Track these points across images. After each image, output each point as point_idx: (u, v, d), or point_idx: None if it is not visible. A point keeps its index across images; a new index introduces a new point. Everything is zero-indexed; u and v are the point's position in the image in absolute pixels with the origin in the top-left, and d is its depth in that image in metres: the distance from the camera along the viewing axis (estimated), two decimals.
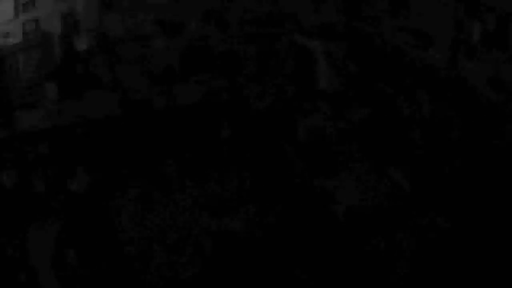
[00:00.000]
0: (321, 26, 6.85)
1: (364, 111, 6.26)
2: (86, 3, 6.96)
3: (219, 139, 6.14)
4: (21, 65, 6.92)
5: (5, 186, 5.97)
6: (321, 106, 6.21)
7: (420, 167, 5.56)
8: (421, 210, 5.14)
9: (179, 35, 6.61)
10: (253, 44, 6.68)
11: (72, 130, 6.24)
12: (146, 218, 5.39)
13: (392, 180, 5.51)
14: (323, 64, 6.76)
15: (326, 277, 4.57)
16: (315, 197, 5.43)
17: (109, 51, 6.63)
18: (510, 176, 5.03)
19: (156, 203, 5.54)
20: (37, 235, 5.34)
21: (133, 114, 6.17)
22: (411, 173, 5.52)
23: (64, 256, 5.03)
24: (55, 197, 5.81)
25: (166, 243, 5.07)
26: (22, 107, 6.66)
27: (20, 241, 5.30)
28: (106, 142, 6.14)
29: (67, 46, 6.83)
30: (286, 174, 5.73)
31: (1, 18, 6.92)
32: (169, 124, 6.19)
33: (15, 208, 5.73)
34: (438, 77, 6.10)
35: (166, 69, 6.52)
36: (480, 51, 5.99)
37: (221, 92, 6.29)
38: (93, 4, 6.94)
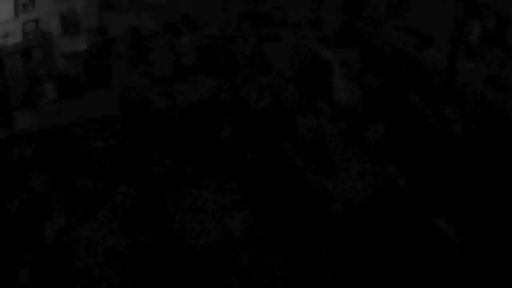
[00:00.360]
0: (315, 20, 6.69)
1: (379, 128, 5.97)
2: (86, 3, 6.97)
3: (219, 139, 6.14)
4: (21, 65, 6.94)
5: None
6: (320, 105, 6.20)
7: (419, 167, 5.56)
8: (419, 210, 5.13)
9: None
10: (250, 43, 6.67)
11: (71, 130, 6.25)
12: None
13: (389, 179, 5.51)
14: (338, 74, 6.39)
15: (324, 275, 4.57)
16: (313, 195, 5.43)
17: (109, 50, 6.64)
18: (511, 176, 5.03)
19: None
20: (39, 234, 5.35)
21: (132, 114, 6.18)
22: (410, 173, 5.51)
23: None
24: (56, 196, 5.81)
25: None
26: (22, 107, 6.67)
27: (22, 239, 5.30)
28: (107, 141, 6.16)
29: None
30: (285, 173, 5.73)
31: (1, 18, 6.92)
32: (169, 124, 6.19)
33: (18, 207, 5.73)
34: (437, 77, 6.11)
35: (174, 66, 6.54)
36: (479, 51, 5.99)
37: (221, 92, 6.29)
38: (93, 4, 6.95)
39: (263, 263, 4.77)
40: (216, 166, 5.91)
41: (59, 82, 6.70)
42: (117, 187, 5.68)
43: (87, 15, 6.95)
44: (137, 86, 6.45)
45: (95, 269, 4.86)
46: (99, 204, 5.59)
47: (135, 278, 4.74)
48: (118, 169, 6.00)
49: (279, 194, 5.52)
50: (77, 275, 4.82)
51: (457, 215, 4.91)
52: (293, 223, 5.17)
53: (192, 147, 6.13)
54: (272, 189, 5.58)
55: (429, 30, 6.39)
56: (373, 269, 4.62)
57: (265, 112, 6.22)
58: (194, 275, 4.74)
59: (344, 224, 5.08)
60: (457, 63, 6.22)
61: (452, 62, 6.28)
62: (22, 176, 5.98)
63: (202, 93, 6.33)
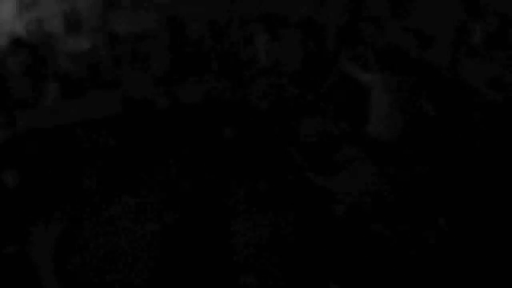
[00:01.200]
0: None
1: (423, 168, 5.19)
2: (90, 2, 6.98)
3: (221, 140, 6.14)
4: (23, 64, 6.94)
5: (8, 185, 5.96)
6: (324, 107, 6.21)
7: (422, 167, 5.57)
8: (421, 210, 5.14)
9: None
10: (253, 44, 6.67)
11: (73, 130, 6.25)
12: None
13: (393, 180, 5.51)
14: (379, 101, 5.14)
15: (327, 276, 4.58)
16: (316, 196, 5.43)
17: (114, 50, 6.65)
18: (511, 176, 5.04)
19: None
20: (39, 235, 5.33)
21: (135, 113, 6.18)
22: (413, 173, 5.52)
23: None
24: (58, 197, 5.80)
25: None
26: (24, 106, 6.67)
27: (21, 240, 5.29)
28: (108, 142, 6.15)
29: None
30: (288, 174, 5.73)
31: (3, 17, 6.92)
32: (172, 124, 6.19)
33: (17, 207, 5.72)
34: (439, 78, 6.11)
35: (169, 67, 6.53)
36: (481, 52, 6.01)
37: (224, 92, 6.29)
38: (97, 3, 6.96)
39: (267, 264, 4.77)
40: (220, 166, 5.92)
41: (62, 82, 6.71)
42: (120, 186, 5.68)
43: (91, 15, 6.96)
44: (140, 85, 6.46)
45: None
46: (102, 204, 5.59)
47: (140, 280, 4.74)
48: (121, 169, 6.01)
49: (283, 195, 5.52)
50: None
51: (453, 212, 4.91)
52: (296, 223, 5.17)
53: (194, 146, 6.13)
54: (276, 190, 5.59)
55: (431, 30, 6.41)
56: (375, 268, 4.63)
57: (268, 112, 6.23)
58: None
59: (347, 225, 5.08)
60: (458, 64, 6.25)
61: (454, 63, 6.31)
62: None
63: (205, 93, 6.33)
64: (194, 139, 6.20)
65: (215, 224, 5.18)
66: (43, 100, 6.66)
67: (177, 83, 6.56)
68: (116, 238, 5.19)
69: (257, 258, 4.76)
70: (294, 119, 6.06)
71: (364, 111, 5.31)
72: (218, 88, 6.46)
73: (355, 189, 5.40)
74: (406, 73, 5.13)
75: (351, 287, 4.51)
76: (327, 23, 6.81)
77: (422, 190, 5.26)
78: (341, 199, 5.30)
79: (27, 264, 4.98)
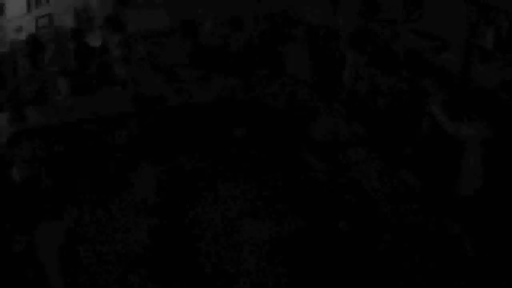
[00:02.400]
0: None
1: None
2: None
3: (232, 138, 6.12)
4: (33, 59, 6.93)
5: (15, 181, 5.94)
6: (335, 107, 6.20)
7: (433, 169, 5.54)
8: (430, 212, 5.10)
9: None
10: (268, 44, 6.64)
11: (83, 127, 6.23)
12: None
13: (403, 182, 5.48)
14: (474, 160, 4.70)
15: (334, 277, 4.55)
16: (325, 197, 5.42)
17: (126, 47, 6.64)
18: None
19: None
20: (45, 231, 5.31)
21: (146, 111, 6.16)
22: (424, 176, 5.50)
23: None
24: (66, 193, 5.78)
25: None
26: (34, 102, 6.65)
27: (28, 237, 5.27)
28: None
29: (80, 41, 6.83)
30: (300, 173, 5.72)
31: (13, 13, 6.92)
32: (183, 122, 6.18)
33: (24, 203, 5.70)
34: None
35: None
36: (494, 55, 6.00)
37: (235, 91, 6.28)
38: (108, 0, 6.96)
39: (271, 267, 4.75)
40: (229, 165, 5.90)
41: (73, 78, 6.69)
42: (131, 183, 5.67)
43: (102, 11, 6.95)
44: (151, 82, 6.45)
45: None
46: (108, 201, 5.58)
47: (149, 277, 4.72)
48: (130, 166, 5.99)
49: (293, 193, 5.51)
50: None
51: (463, 215, 4.86)
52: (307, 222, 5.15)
53: (204, 145, 6.12)
54: (287, 189, 5.57)
55: (444, 33, 6.40)
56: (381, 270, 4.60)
57: (280, 112, 6.21)
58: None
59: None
60: (471, 67, 6.24)
61: (466, 66, 6.30)
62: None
63: (218, 92, 6.32)
64: (204, 138, 6.18)
65: (221, 225, 5.17)
66: (53, 96, 6.66)
67: (188, 81, 6.55)
68: (121, 235, 5.19)
69: (262, 260, 4.76)
70: (306, 119, 6.05)
71: (455, 167, 4.90)
72: (230, 87, 6.45)
73: (365, 191, 5.39)
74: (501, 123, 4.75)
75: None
76: (341, 26, 6.80)
77: (433, 196, 5.21)
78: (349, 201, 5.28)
79: (34, 261, 4.97)
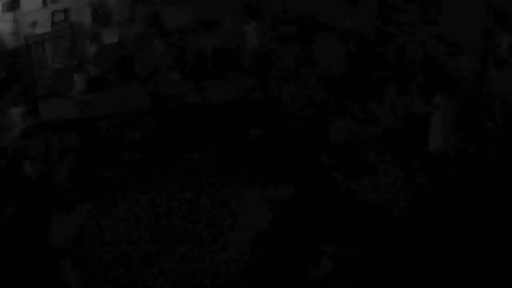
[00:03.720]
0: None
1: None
2: None
3: (248, 139, 6.13)
4: (48, 54, 6.90)
5: (28, 175, 5.95)
6: (351, 107, 6.19)
7: (450, 175, 5.56)
8: (446, 218, 5.12)
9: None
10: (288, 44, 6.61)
11: (99, 122, 6.24)
12: None
13: (418, 185, 5.50)
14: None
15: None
16: (343, 198, 5.43)
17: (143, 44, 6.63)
18: None
19: None
20: (60, 225, 5.33)
21: (163, 108, 6.16)
22: (440, 180, 5.51)
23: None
24: (80, 188, 5.79)
25: None
26: (49, 97, 6.65)
27: (42, 231, 5.28)
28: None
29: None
30: (317, 176, 5.73)
31: (29, 7, 6.89)
32: (199, 121, 6.19)
33: (37, 197, 5.71)
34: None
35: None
36: (509, 61, 6.00)
37: (253, 91, 6.28)
38: None
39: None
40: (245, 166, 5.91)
41: (88, 74, 6.68)
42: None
43: (120, 8, 6.92)
44: (169, 80, 6.45)
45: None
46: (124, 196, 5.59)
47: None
48: (145, 163, 6.00)
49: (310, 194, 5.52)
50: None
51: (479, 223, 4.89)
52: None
53: (219, 143, 6.13)
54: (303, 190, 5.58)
55: (460, 38, 6.40)
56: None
57: (297, 113, 6.22)
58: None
59: (374, 228, 5.06)
60: (486, 72, 6.24)
61: (481, 71, 6.30)
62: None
63: (234, 91, 6.32)
64: (221, 137, 6.20)
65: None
66: (69, 91, 6.65)
67: (206, 80, 6.55)
68: (134, 232, 5.21)
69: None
70: (323, 121, 6.06)
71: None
72: (247, 87, 6.45)
73: (381, 193, 5.40)
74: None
75: None
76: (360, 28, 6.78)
77: (450, 202, 5.22)
78: (367, 201, 5.30)
79: (48, 253, 4.98)
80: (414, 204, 5.27)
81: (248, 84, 6.41)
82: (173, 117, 6.20)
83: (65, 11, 6.97)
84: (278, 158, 5.86)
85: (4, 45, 6.72)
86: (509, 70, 6.02)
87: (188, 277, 4.66)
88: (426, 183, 5.39)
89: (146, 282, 4.63)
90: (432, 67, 6.42)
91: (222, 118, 6.26)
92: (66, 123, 6.28)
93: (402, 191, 5.40)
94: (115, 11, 6.90)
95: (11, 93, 6.64)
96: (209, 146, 6.06)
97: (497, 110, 5.82)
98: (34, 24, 6.90)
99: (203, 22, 6.70)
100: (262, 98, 6.28)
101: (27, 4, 6.87)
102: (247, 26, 6.70)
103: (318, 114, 6.13)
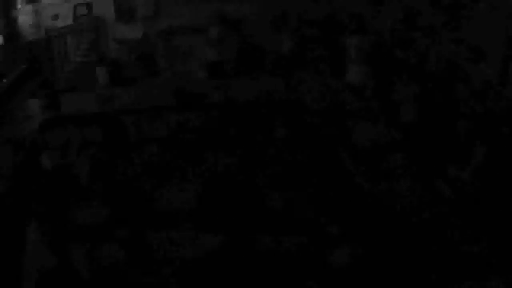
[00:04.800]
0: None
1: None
2: None
3: (272, 139, 6.12)
4: (69, 48, 6.90)
5: (45, 167, 5.92)
6: (376, 112, 6.19)
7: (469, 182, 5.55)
8: (463, 226, 5.11)
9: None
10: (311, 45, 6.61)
11: (121, 118, 6.20)
12: None
13: (438, 192, 5.49)
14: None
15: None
16: (364, 201, 5.42)
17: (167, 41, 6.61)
18: None
19: None
20: (77, 219, 5.30)
21: (186, 105, 6.14)
22: (459, 187, 5.50)
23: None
24: (100, 182, 5.77)
25: None
26: (70, 90, 6.63)
27: (58, 223, 5.25)
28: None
29: None
30: (339, 178, 5.71)
31: (50, 0, 6.89)
32: (223, 119, 6.16)
33: (54, 190, 5.69)
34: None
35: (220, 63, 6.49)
36: None
37: (277, 91, 6.26)
38: None
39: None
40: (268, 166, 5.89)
41: (111, 68, 6.67)
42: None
43: (143, 4, 6.91)
44: (193, 78, 6.44)
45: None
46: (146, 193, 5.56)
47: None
48: (167, 161, 5.97)
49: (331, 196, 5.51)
50: None
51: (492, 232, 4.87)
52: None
53: (244, 143, 6.11)
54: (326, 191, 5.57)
55: (482, 43, 6.40)
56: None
57: (321, 115, 6.21)
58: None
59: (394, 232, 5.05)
60: (507, 79, 6.25)
61: (503, 78, 6.31)
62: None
63: (258, 90, 6.31)
64: (244, 136, 6.18)
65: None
66: (91, 85, 6.64)
67: (230, 78, 6.54)
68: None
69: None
70: (347, 123, 6.05)
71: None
72: (271, 87, 6.44)
73: (401, 197, 5.39)
74: None
75: None
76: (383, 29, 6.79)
77: (469, 210, 5.21)
78: (387, 205, 5.28)
79: (64, 247, 4.96)
80: (433, 211, 5.27)
81: (273, 85, 6.40)
82: (195, 114, 6.18)
83: (88, 4, 6.96)
84: (299, 160, 5.86)
85: (25, 37, 6.71)
86: None
87: None
88: (445, 190, 5.39)
89: None
90: (454, 73, 6.43)
91: (247, 118, 6.24)
92: (88, 117, 6.24)
93: (421, 198, 5.39)
94: (139, 6, 6.90)
95: (31, 85, 6.62)
96: (235, 146, 6.04)
97: None
98: (55, 16, 6.89)
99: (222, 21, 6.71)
100: (287, 98, 6.27)
101: None
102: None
103: (342, 116, 6.12)
